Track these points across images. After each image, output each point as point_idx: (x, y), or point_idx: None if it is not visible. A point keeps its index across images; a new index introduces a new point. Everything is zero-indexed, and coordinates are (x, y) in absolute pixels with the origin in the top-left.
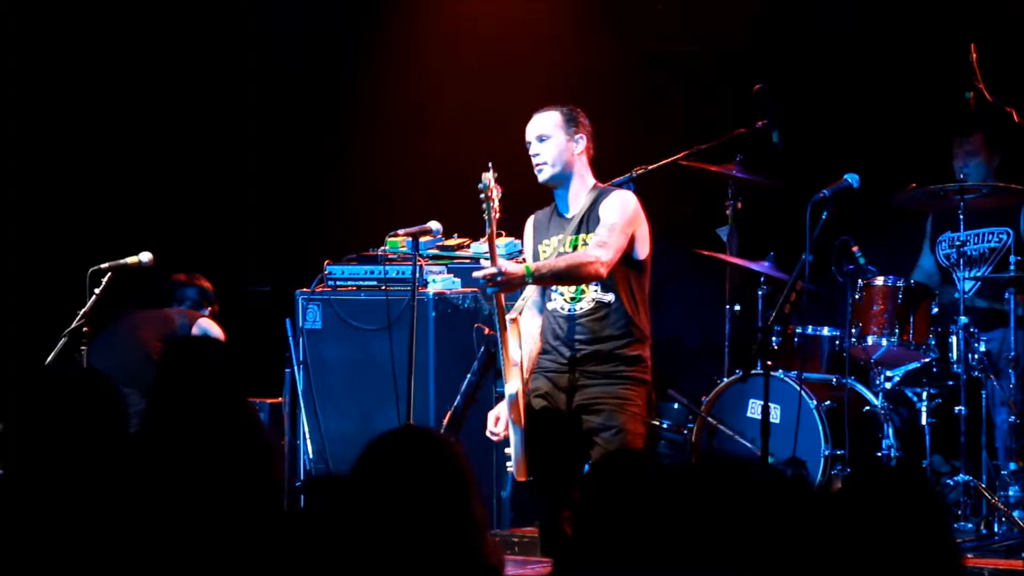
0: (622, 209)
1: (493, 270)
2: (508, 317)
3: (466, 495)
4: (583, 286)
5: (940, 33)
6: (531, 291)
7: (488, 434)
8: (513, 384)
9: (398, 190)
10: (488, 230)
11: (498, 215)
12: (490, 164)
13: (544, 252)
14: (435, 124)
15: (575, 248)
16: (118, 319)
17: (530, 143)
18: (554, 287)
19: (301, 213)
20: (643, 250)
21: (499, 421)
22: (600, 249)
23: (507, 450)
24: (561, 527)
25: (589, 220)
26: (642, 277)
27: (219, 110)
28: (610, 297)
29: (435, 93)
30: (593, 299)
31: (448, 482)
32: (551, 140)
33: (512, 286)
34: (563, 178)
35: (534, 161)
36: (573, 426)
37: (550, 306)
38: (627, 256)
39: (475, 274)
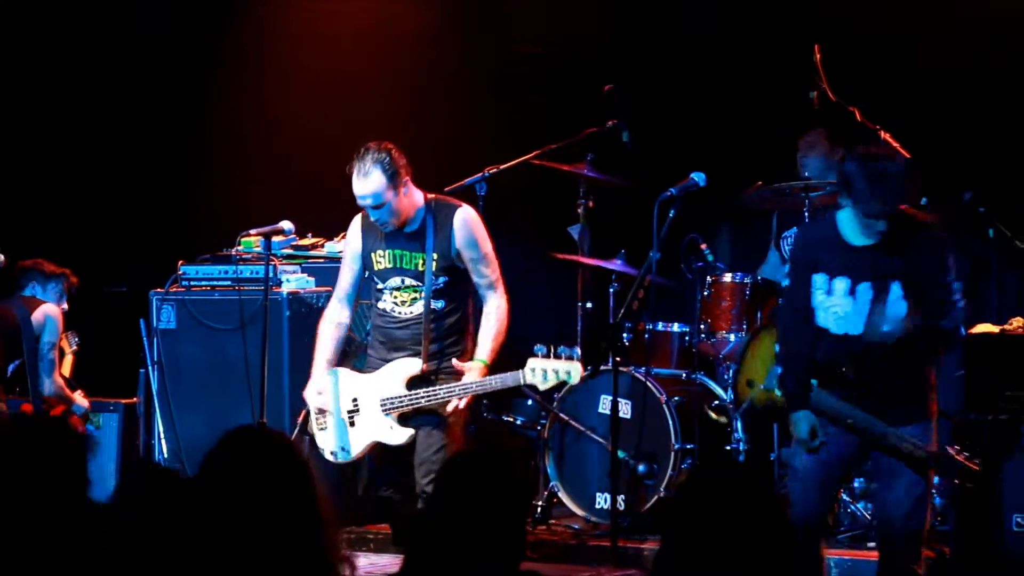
0: (481, 236)
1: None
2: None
3: (308, 493)
4: (414, 292)
5: (786, 34)
6: (346, 282)
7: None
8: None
9: (251, 190)
10: None
11: None
12: None
13: (379, 263)
14: (289, 123)
15: (415, 266)
16: None
17: (364, 202)
18: (383, 285)
19: (155, 213)
20: None
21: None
22: (497, 291)
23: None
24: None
25: (436, 240)
26: (469, 283)
27: (72, 108)
28: (440, 304)
29: (289, 92)
30: (423, 306)
31: (289, 481)
32: (386, 205)
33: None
34: (404, 220)
35: (375, 218)
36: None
37: (381, 306)
38: (454, 267)
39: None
